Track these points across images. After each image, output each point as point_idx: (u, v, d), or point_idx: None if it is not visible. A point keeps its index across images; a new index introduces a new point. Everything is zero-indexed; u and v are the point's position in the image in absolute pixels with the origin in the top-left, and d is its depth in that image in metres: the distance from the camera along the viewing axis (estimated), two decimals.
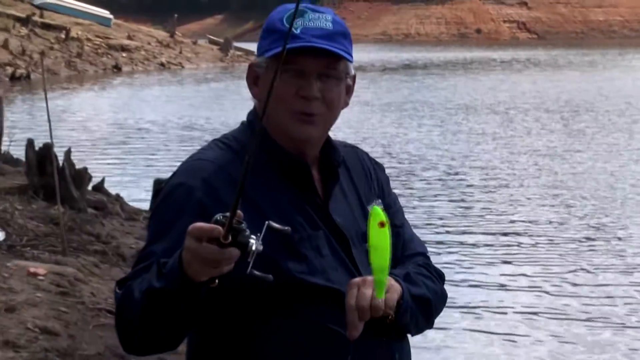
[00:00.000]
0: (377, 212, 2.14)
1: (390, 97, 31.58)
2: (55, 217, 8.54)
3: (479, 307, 8.65)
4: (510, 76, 42.51)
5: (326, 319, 2.22)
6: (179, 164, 2.33)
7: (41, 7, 48.13)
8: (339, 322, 2.18)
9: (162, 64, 47.71)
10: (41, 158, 9.62)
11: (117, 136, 21.90)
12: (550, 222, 12.13)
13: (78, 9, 51.93)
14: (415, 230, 2.54)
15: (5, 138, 13.97)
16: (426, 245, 2.56)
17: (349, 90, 2.35)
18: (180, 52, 51.10)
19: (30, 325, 5.77)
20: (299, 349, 2.21)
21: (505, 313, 8.53)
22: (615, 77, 39.60)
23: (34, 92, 32.08)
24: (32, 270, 6.99)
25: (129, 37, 49.42)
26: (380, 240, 2.13)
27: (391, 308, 2.18)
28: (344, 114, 2.35)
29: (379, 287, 2.14)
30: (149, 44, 50.38)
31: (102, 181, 11.40)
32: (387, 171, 2.58)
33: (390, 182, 2.54)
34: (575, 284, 9.35)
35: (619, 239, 11.25)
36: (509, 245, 11.02)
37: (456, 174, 15.95)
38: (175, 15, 61.69)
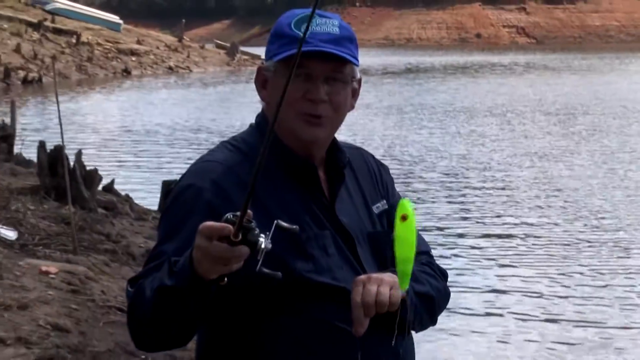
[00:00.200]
0: (403, 205, 2.16)
1: (391, 100, 31.58)
2: (66, 217, 8.54)
3: (476, 308, 8.58)
4: (509, 80, 42.50)
5: (332, 316, 2.21)
6: (186, 165, 2.33)
7: (53, 13, 48.21)
8: (345, 320, 2.18)
9: (170, 68, 47.75)
10: (53, 159, 9.63)
11: (127, 138, 21.92)
12: (547, 224, 12.07)
13: (88, 14, 52.05)
14: None
15: (17, 140, 14.00)
16: None
17: (355, 94, 2.35)
18: (188, 56, 51.13)
19: (42, 322, 5.77)
20: (306, 346, 2.21)
21: (502, 315, 8.46)
22: (612, 81, 39.57)
23: (46, 95, 32.11)
24: (44, 268, 7.00)
25: (138, 42, 49.47)
26: (404, 232, 2.15)
27: (395, 305, 2.18)
28: (347, 116, 2.36)
29: (403, 278, 2.16)
30: (158, 48, 50.42)
31: (112, 182, 11.40)
32: None
33: None
34: (572, 286, 9.29)
35: (616, 241, 11.18)
36: (506, 247, 10.95)
37: (455, 175, 15.95)
38: (183, 20, 61.84)
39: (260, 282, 2.10)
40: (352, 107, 2.35)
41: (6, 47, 39.63)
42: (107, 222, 9.28)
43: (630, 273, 9.82)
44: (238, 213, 1.90)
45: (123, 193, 11.52)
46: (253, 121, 2.40)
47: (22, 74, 37.09)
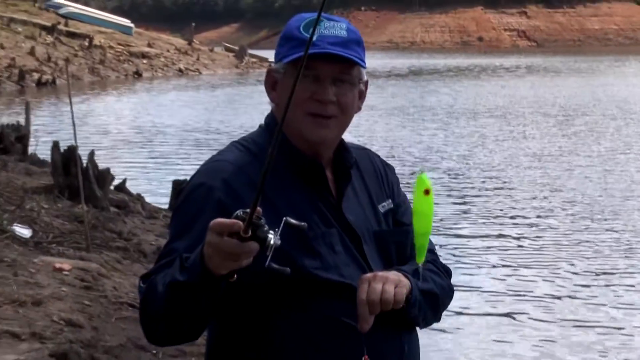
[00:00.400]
0: (423, 179, 2.16)
1: (395, 101, 31.56)
2: (79, 216, 8.55)
3: (476, 308, 8.49)
4: (510, 82, 42.45)
5: (339, 312, 2.21)
6: (196, 165, 2.34)
7: (66, 17, 48.32)
8: (351, 316, 2.18)
9: (180, 70, 47.79)
10: (66, 159, 9.64)
11: (138, 139, 21.92)
12: (548, 224, 11.98)
13: (101, 18, 52.17)
14: None
15: (32, 140, 14.02)
16: None
17: (362, 95, 2.35)
18: (198, 59, 51.17)
19: (55, 318, 5.78)
20: (313, 341, 2.21)
21: (502, 315, 8.34)
22: (610, 83, 39.52)
23: (59, 97, 32.16)
24: (57, 265, 7.01)
25: (149, 45, 49.52)
26: (423, 206, 2.16)
27: (400, 303, 2.18)
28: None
29: (420, 251, 2.18)
30: (168, 51, 50.47)
31: (124, 181, 11.41)
32: None
33: None
34: (572, 286, 9.17)
35: (617, 241, 11.06)
36: (507, 247, 10.85)
37: (457, 175, 15.92)
38: (193, 24, 61.92)
39: (268, 279, 2.11)
40: (359, 108, 2.35)
41: (21, 50, 39.70)
42: (119, 221, 9.29)
43: (630, 273, 9.68)
44: (248, 210, 1.91)
45: (134, 192, 11.53)
46: (262, 122, 2.40)
47: (36, 76, 37.15)
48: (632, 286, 9.24)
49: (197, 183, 2.25)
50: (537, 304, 8.64)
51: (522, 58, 69.83)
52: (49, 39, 43.34)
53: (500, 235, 11.48)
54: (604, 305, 8.58)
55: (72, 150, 9.45)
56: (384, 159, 2.54)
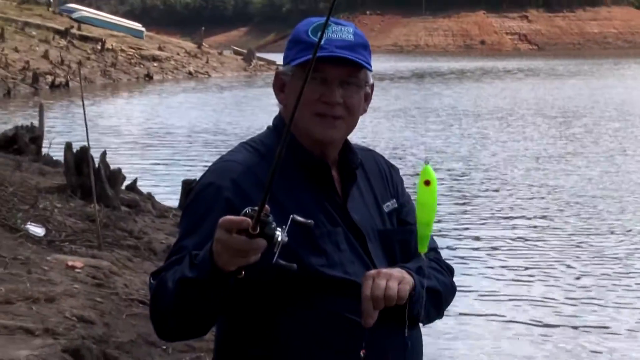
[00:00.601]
0: (427, 170, 2.16)
1: (399, 103, 31.57)
2: (91, 215, 8.56)
3: (476, 308, 8.40)
4: (512, 84, 42.42)
5: (343, 308, 2.22)
6: (205, 165, 2.35)
7: (79, 21, 48.42)
8: (356, 312, 2.18)
9: (190, 73, 47.84)
10: (78, 160, 9.65)
11: (148, 140, 21.95)
12: (548, 225, 11.92)
13: (113, 22, 52.25)
14: None
15: (45, 141, 14.05)
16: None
17: (367, 98, 2.36)
18: (207, 62, 51.22)
19: (68, 314, 5.79)
20: (318, 337, 2.21)
21: (502, 316, 8.23)
22: (610, 85, 39.47)
23: (72, 99, 32.19)
24: (70, 263, 7.02)
25: (160, 48, 49.58)
26: (426, 197, 2.17)
27: (403, 299, 2.18)
28: None
29: (422, 241, 2.19)
30: (178, 54, 50.53)
31: (135, 181, 11.43)
32: None
33: None
34: (572, 288, 9.06)
35: (617, 242, 10.98)
36: (507, 247, 10.77)
37: (458, 176, 15.89)
38: (203, 27, 62.01)
39: (275, 276, 2.12)
40: (365, 110, 2.36)
41: (35, 54, 39.79)
42: (130, 220, 9.30)
43: (630, 274, 9.59)
44: (256, 207, 1.92)
45: (145, 192, 11.54)
46: (270, 124, 2.41)
47: (50, 78, 37.22)
48: (632, 287, 9.15)
49: (206, 183, 2.25)
50: (537, 304, 8.55)
51: (523, 61, 69.76)
52: (63, 42, 43.43)
53: (501, 236, 11.41)
54: (605, 306, 8.48)
55: (84, 150, 9.46)
56: (388, 159, 2.55)
